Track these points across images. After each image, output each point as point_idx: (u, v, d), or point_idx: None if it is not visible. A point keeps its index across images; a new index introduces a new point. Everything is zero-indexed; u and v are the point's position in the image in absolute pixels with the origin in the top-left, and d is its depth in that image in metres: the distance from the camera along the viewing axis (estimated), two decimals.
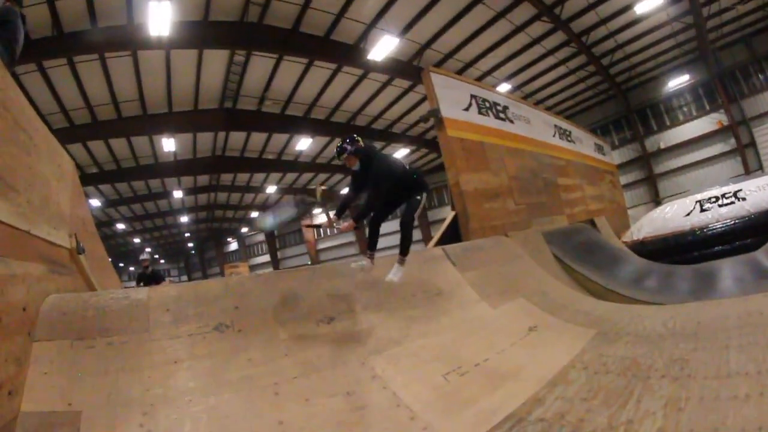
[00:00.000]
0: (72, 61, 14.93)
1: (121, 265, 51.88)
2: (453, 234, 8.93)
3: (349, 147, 4.98)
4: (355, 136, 5.08)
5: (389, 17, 16.00)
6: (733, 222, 13.06)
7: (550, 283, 8.29)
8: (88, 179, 23.09)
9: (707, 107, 25.27)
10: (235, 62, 17.06)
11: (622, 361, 4.62)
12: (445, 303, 5.92)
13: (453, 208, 9.29)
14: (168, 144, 21.72)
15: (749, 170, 22.96)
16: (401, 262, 5.23)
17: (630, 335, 5.46)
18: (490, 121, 10.71)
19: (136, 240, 47.80)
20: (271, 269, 43.53)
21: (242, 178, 31.83)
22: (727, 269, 9.85)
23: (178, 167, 25.46)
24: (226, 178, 31.48)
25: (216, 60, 16.74)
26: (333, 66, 18.41)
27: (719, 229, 13.13)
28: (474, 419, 3.48)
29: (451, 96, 9.73)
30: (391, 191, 5.07)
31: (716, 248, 12.80)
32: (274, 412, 3.47)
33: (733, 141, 24.14)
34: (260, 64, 17.51)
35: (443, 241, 8.53)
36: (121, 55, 15.24)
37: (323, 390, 3.83)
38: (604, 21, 19.51)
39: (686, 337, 4.90)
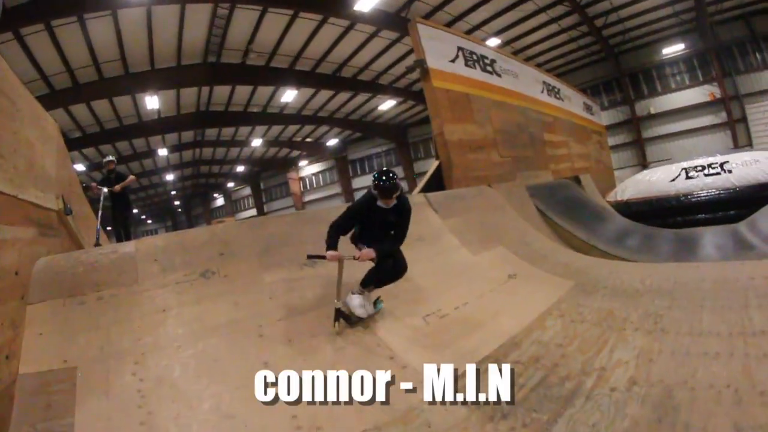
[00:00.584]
0: (50, 26, 14.45)
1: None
2: (437, 183, 8.95)
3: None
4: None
5: None
6: (717, 192, 13.23)
7: (531, 234, 8.35)
8: (72, 144, 22.24)
9: (701, 78, 25.08)
10: (219, 16, 16.57)
11: (598, 312, 4.81)
12: (426, 248, 5.95)
13: (437, 158, 9.27)
14: (151, 102, 21.23)
15: (738, 145, 23.03)
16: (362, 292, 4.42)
17: (607, 288, 5.62)
18: (476, 74, 10.60)
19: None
20: None
21: (227, 132, 31.27)
22: (709, 237, 10.10)
23: (163, 125, 24.98)
24: (211, 133, 30.94)
25: (199, 14, 16.21)
26: (319, 17, 17.91)
27: (703, 198, 13.33)
28: (451, 360, 3.47)
29: (437, 48, 9.63)
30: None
31: (699, 216, 13.05)
32: (259, 353, 3.61)
33: (724, 114, 24.13)
34: (244, 16, 17.00)
35: (427, 189, 8.49)
36: (101, 15, 14.74)
37: (306, 331, 3.96)
38: None
39: (662, 295, 5.04)
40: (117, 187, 8.15)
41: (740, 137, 23.48)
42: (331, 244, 4.09)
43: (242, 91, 23.64)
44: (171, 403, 3.06)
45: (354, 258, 4.09)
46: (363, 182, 38.61)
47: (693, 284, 5.20)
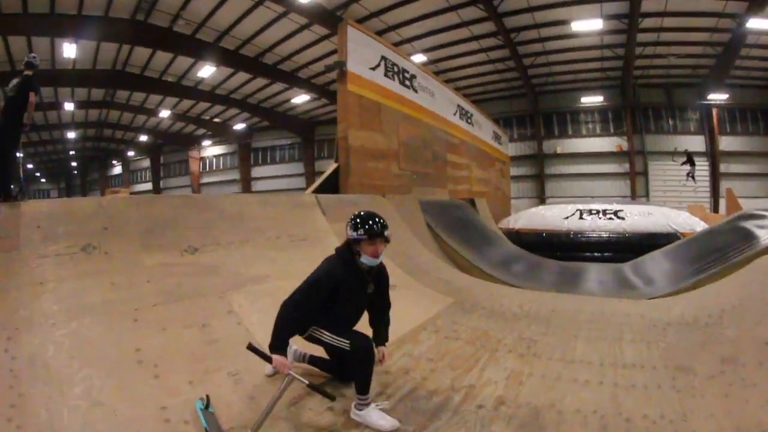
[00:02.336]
0: None
1: None
2: (332, 186, 8.81)
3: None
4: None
5: None
6: (608, 235, 13.91)
7: (417, 248, 8.35)
8: None
9: (612, 130, 27.33)
10: None
11: (474, 331, 4.87)
12: (309, 249, 5.74)
13: (336, 161, 9.13)
14: (69, 50, 19.72)
15: (636, 195, 25.18)
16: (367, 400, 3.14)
17: (486, 309, 5.64)
18: (393, 86, 10.60)
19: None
20: None
21: (138, 97, 29.51)
22: (593, 272, 10.47)
23: (76, 77, 23.20)
24: (122, 95, 29.09)
25: None
26: None
27: (593, 239, 13.94)
28: None
29: (362, 53, 9.54)
30: None
31: (586, 254, 13.59)
32: (132, 338, 3.40)
33: (627, 165, 26.31)
34: None
35: (321, 190, 8.30)
36: None
37: (180, 320, 3.78)
38: (538, 26, 19.95)
39: (539, 321, 5.11)
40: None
41: (638, 188, 25.52)
42: (281, 341, 2.98)
43: (162, 57, 22.48)
44: (43, 385, 2.83)
45: (380, 362, 3.32)
46: (262, 172, 38.38)
47: (570, 314, 5.32)
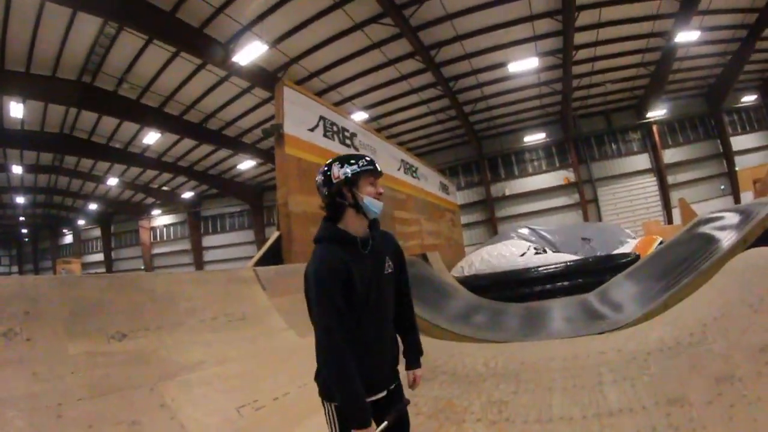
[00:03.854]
0: None
1: None
2: (274, 256, 8.52)
3: None
4: None
5: (266, 24, 15.64)
6: (566, 263, 13.90)
7: None
8: None
9: (557, 164, 28.28)
10: (105, 34, 15.64)
11: (436, 401, 4.61)
12: (249, 329, 5.51)
13: (278, 228, 8.89)
14: (16, 109, 19.10)
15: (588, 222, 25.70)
16: None
17: (447, 374, 5.37)
18: (333, 146, 10.48)
19: None
20: (104, 270, 40.33)
21: (86, 164, 28.91)
22: (559, 309, 10.14)
23: (24, 138, 22.47)
24: (71, 161, 28.46)
25: (87, 26, 15.15)
26: (198, 62, 17.58)
27: (551, 269, 13.82)
28: None
29: (299, 114, 9.43)
30: None
31: (547, 286, 13.39)
32: None
33: (576, 196, 27.19)
34: (129, 41, 16.19)
35: (263, 262, 8.06)
36: None
37: (108, 416, 3.44)
38: (476, 72, 20.57)
39: (508, 378, 4.84)
40: None
41: (591, 216, 26.27)
42: (359, 401, 2.12)
43: (108, 122, 22.16)
44: None
45: (410, 386, 2.61)
46: (213, 241, 37.65)
47: (542, 364, 5.01)
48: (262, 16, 15.41)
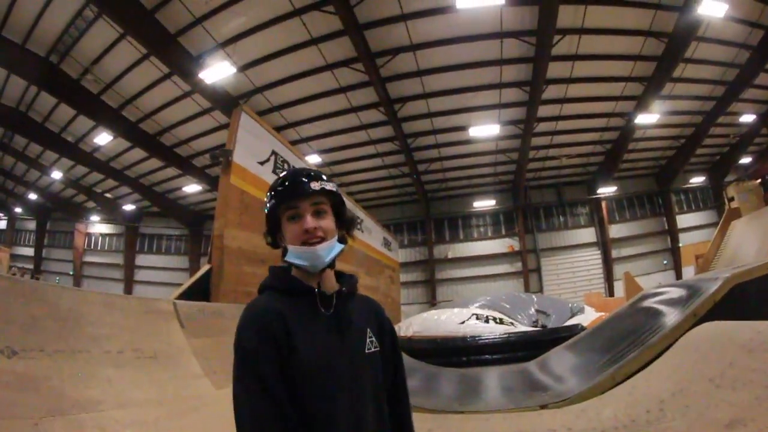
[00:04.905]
0: None
1: None
2: (202, 291, 7.90)
3: None
4: None
5: (240, 46, 15.59)
6: (506, 335, 13.46)
7: None
8: None
9: (503, 232, 28.92)
10: (83, 16, 15.13)
11: None
12: (159, 370, 4.90)
13: (209, 261, 8.35)
14: None
15: (529, 292, 25.96)
16: None
17: None
18: None
19: None
20: (31, 265, 37.92)
21: (35, 149, 26.95)
22: (496, 378, 9.57)
23: None
24: (20, 142, 26.60)
25: (68, 2, 14.71)
26: (166, 70, 17.22)
27: (491, 340, 13.33)
28: None
29: (252, 144, 9.21)
30: None
31: (486, 356, 12.78)
32: None
33: (519, 264, 27.71)
34: (103, 31, 15.65)
35: (187, 295, 7.46)
36: None
37: None
38: (436, 131, 21.02)
39: None
40: None
41: (532, 285, 26.78)
42: None
43: (65, 111, 21.02)
44: None
45: None
46: (147, 261, 35.90)
47: None
48: (237, 37, 15.39)
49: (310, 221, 1.53)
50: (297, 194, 1.55)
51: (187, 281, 8.26)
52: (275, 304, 1.51)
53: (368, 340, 1.61)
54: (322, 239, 1.54)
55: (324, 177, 1.62)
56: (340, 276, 1.70)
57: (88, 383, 3.96)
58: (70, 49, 16.83)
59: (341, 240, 1.65)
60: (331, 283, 1.63)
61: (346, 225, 1.69)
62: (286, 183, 1.58)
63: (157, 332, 5.37)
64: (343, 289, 1.63)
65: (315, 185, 1.56)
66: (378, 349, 1.62)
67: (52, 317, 4.13)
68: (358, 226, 15.58)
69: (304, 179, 1.57)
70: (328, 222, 1.58)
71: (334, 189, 1.63)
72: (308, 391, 1.42)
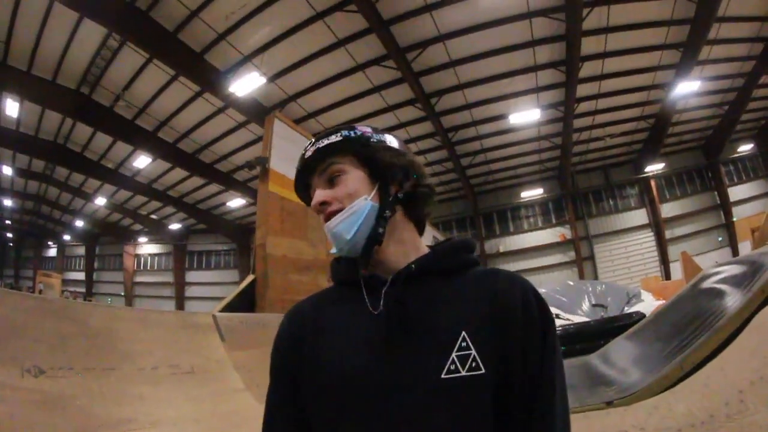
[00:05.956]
0: None
1: None
2: (247, 302, 7.58)
3: None
4: None
5: (267, 56, 15.50)
6: (564, 327, 13.01)
7: None
8: None
9: (554, 221, 27.98)
10: (108, 46, 15.42)
11: None
12: (196, 386, 4.53)
13: (253, 272, 7.96)
14: (12, 108, 18.33)
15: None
16: None
17: None
18: None
19: None
20: (83, 289, 39.19)
21: (77, 178, 27.86)
22: None
23: (18, 140, 21.52)
24: (62, 173, 27.37)
25: (92, 34, 14.89)
26: (196, 88, 17.29)
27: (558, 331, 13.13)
28: None
29: (288, 150, 8.81)
30: None
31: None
32: None
33: (572, 253, 26.73)
34: (130, 57, 15.91)
35: (231, 307, 7.08)
36: None
37: None
38: (476, 123, 20.49)
39: None
40: None
41: (587, 274, 25.77)
42: None
43: (102, 139, 21.58)
44: None
45: None
46: (197, 277, 36.34)
47: None
48: (263, 48, 15.29)
49: (316, 196, 1.10)
50: (303, 173, 1.15)
51: (230, 294, 7.85)
52: (311, 305, 1.15)
53: (455, 354, 0.93)
54: (339, 211, 1.07)
55: (334, 132, 1.12)
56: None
57: (119, 401, 3.69)
58: (100, 79, 17.09)
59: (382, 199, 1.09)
60: (399, 266, 1.06)
61: (382, 173, 1.11)
62: (306, 150, 1.14)
63: (194, 346, 5.07)
64: (412, 266, 1.04)
65: (311, 149, 1.12)
66: (479, 370, 0.92)
67: (84, 334, 3.91)
68: None
69: (304, 151, 1.14)
70: (346, 184, 1.08)
71: (350, 134, 1.12)
72: (332, 410, 0.96)
